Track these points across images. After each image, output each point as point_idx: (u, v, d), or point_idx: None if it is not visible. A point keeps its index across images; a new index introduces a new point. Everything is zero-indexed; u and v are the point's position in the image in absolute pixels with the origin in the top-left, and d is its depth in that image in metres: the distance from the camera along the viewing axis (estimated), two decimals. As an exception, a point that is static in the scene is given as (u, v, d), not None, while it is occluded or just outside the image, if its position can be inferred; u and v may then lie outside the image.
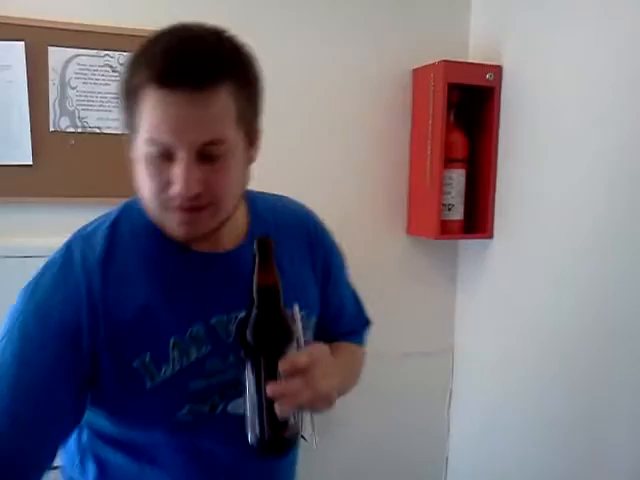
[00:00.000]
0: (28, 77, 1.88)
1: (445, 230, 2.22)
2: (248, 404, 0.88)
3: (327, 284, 1.19)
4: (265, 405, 0.86)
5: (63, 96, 1.93)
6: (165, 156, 0.86)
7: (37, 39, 1.88)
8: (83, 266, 0.94)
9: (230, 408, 1.02)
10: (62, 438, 0.92)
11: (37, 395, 0.86)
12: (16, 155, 1.90)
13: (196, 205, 0.88)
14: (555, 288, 1.97)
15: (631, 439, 1.69)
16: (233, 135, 0.88)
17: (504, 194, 2.22)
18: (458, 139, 2.22)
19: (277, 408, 0.84)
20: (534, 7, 2.05)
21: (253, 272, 0.86)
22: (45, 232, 1.95)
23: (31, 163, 1.91)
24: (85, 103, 1.96)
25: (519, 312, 2.14)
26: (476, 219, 2.30)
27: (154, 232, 0.96)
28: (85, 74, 1.95)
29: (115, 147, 2.00)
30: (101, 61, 1.96)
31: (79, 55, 1.93)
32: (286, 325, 0.88)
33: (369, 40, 2.26)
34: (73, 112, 1.94)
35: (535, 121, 2.06)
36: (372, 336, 2.29)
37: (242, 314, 0.90)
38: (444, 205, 2.21)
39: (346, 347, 1.24)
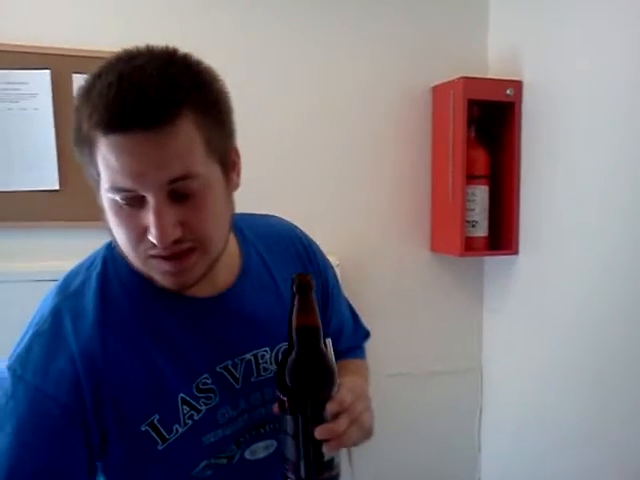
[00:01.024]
0: (54, 104, 1.92)
1: (470, 247, 2.20)
2: (289, 447, 0.83)
3: (326, 302, 1.11)
4: (311, 447, 0.81)
5: (87, 122, 1.96)
6: (134, 202, 0.77)
7: (62, 67, 1.92)
8: (76, 335, 0.84)
9: (248, 454, 0.97)
10: None
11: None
12: (43, 181, 1.93)
13: (179, 251, 0.80)
14: (584, 303, 1.94)
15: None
16: (205, 168, 0.79)
17: (528, 209, 2.20)
18: (480, 155, 2.21)
19: (325, 449, 0.81)
20: (553, 21, 2.04)
21: (292, 312, 0.81)
22: (73, 255, 1.96)
23: (58, 188, 1.94)
24: (109, 128, 1.98)
25: (548, 328, 2.11)
26: (501, 235, 2.28)
27: (144, 282, 0.87)
28: (108, 100, 1.98)
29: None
30: (123, 87, 1.98)
31: (102, 81, 1.96)
32: (329, 367, 0.83)
33: (388, 58, 2.27)
34: (98, 137, 1.97)
35: (557, 135, 2.04)
36: (399, 356, 2.29)
37: (268, 354, 0.92)
38: (468, 222, 2.20)
39: (357, 366, 1.20)
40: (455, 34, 2.36)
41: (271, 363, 0.96)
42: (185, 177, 0.77)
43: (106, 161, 0.76)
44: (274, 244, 1.05)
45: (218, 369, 0.92)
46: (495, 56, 2.37)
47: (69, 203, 1.97)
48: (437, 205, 2.32)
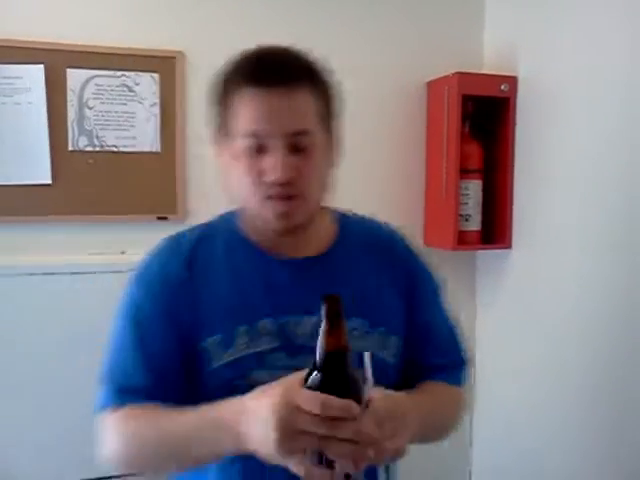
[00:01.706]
0: (47, 98, 1.92)
1: (462, 241, 2.21)
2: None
3: (413, 306, 1.12)
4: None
5: (81, 116, 1.96)
6: (259, 149, 0.94)
7: (56, 61, 1.93)
8: (187, 244, 1.07)
9: None
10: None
11: (161, 362, 1.00)
12: (36, 175, 1.93)
13: (289, 193, 0.95)
14: (577, 297, 1.95)
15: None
16: (316, 130, 0.97)
17: (522, 203, 2.20)
18: (474, 150, 2.22)
19: (338, 467, 0.79)
20: (548, 18, 2.05)
21: (319, 334, 0.79)
22: (65, 250, 1.98)
23: (50, 182, 1.95)
24: (103, 123, 1.99)
25: (540, 322, 2.12)
26: (494, 229, 2.29)
27: (244, 238, 1.06)
28: (102, 94, 1.98)
29: (132, 165, 2.03)
30: (118, 81, 1.99)
31: (96, 76, 1.97)
32: (353, 391, 0.79)
33: (383, 53, 2.27)
34: (91, 132, 1.98)
35: (551, 130, 2.05)
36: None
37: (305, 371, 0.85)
38: (461, 216, 2.20)
39: (434, 389, 1.11)
40: (451, 30, 2.36)
41: None
42: (303, 132, 0.94)
43: (246, 110, 0.94)
44: (373, 242, 1.14)
45: (283, 320, 1.00)
46: (490, 52, 2.37)
47: (61, 197, 1.97)
48: (430, 199, 2.33)
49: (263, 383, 0.90)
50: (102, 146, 1.99)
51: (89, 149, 1.98)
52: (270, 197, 0.95)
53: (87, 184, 1.99)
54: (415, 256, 1.18)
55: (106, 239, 2.03)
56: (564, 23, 1.98)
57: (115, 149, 2.01)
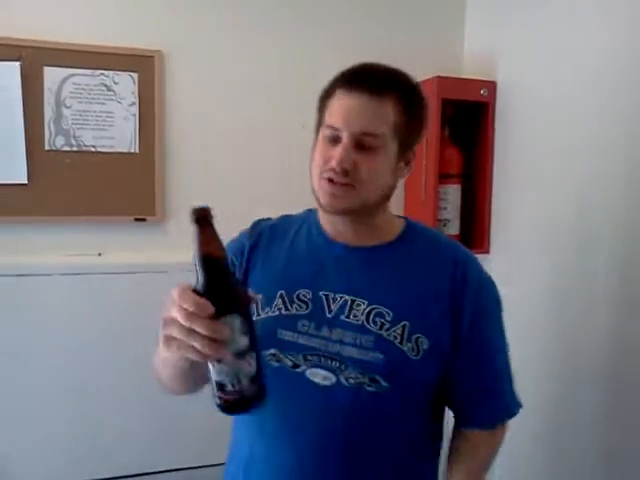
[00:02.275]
0: (24, 97, 1.89)
1: (441, 245, 2.21)
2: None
3: (462, 331, 1.15)
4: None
5: (58, 115, 1.93)
6: (335, 140, 1.10)
7: (33, 59, 1.90)
8: (258, 224, 1.29)
9: (308, 373, 1.12)
10: None
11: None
12: (11, 174, 1.90)
13: (342, 181, 1.09)
14: (554, 302, 1.96)
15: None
16: (386, 136, 1.10)
17: (500, 209, 2.22)
18: (453, 154, 2.23)
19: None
20: (527, 24, 2.06)
21: (194, 243, 0.86)
22: (40, 251, 1.95)
23: (26, 182, 1.92)
24: (80, 122, 1.96)
25: (517, 328, 2.12)
26: (473, 234, 2.30)
27: (316, 224, 1.24)
28: (80, 93, 1.95)
29: (110, 165, 2.00)
30: (96, 80, 1.97)
31: (74, 75, 1.94)
32: (220, 293, 0.85)
33: (363, 56, 2.25)
34: (68, 131, 1.95)
35: (530, 135, 2.06)
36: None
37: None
38: (440, 220, 2.21)
39: (473, 455, 1.26)
40: (431, 34, 2.37)
41: (362, 314, 1.12)
42: (371, 134, 1.08)
43: (334, 106, 1.11)
44: (434, 254, 1.21)
45: (321, 293, 1.15)
46: (470, 56, 2.39)
47: (37, 197, 1.94)
48: (410, 203, 2.33)
49: (287, 342, 1.12)
50: (79, 146, 1.97)
51: (66, 149, 1.95)
52: (326, 179, 1.10)
53: (64, 184, 1.96)
54: (476, 282, 1.20)
55: (82, 240, 2.00)
56: (543, 30, 1.99)
57: (93, 149, 1.98)
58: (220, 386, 0.87)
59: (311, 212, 1.28)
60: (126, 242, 2.05)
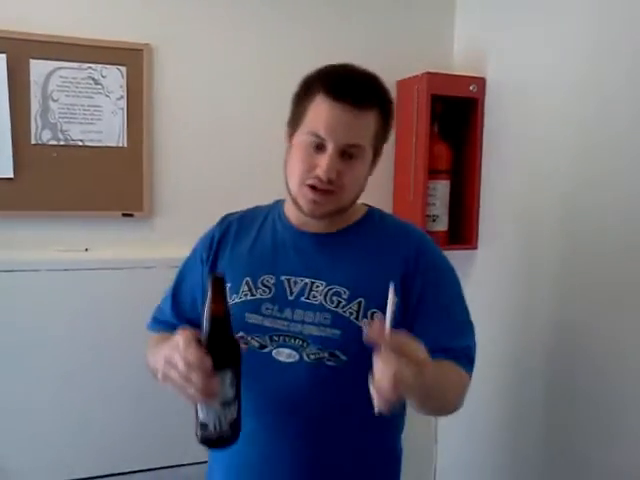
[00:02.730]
0: (9, 90, 1.86)
1: (430, 241, 2.21)
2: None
3: (411, 291, 1.22)
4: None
5: (45, 109, 1.91)
6: (318, 147, 1.15)
7: (19, 51, 1.87)
8: (227, 218, 1.39)
9: (274, 353, 1.20)
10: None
11: (185, 283, 1.39)
12: (-3, 168, 1.87)
13: (327, 188, 1.16)
14: (540, 299, 1.97)
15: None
16: (367, 146, 1.18)
17: (489, 205, 2.22)
18: (442, 150, 2.23)
19: None
20: (517, 20, 2.07)
21: (206, 304, 0.99)
22: (26, 246, 1.93)
23: (12, 176, 1.89)
24: (68, 116, 1.94)
25: (505, 323, 2.14)
26: (461, 230, 2.31)
27: (281, 215, 1.31)
28: (67, 87, 1.93)
29: (98, 160, 1.99)
30: (84, 74, 1.94)
31: (61, 68, 1.92)
32: (221, 349, 0.98)
33: (352, 52, 2.24)
34: (55, 125, 1.93)
35: (518, 132, 2.07)
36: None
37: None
38: (428, 216, 2.21)
39: (442, 362, 1.16)
40: (421, 30, 2.36)
41: (320, 295, 1.20)
42: (355, 146, 1.16)
43: (317, 113, 1.15)
44: (388, 234, 1.29)
45: (282, 277, 1.23)
46: (460, 52, 2.39)
47: (23, 192, 1.92)
48: (398, 199, 2.33)
49: (253, 325, 1.21)
50: (66, 140, 1.94)
51: (53, 143, 1.93)
52: (309, 185, 1.17)
53: (50, 179, 1.94)
54: (430, 255, 1.27)
55: (69, 236, 1.98)
56: (532, 26, 2.00)
57: (80, 143, 1.96)
58: (203, 426, 1.00)
59: (279, 202, 1.36)
60: (113, 238, 2.04)
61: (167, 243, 2.06)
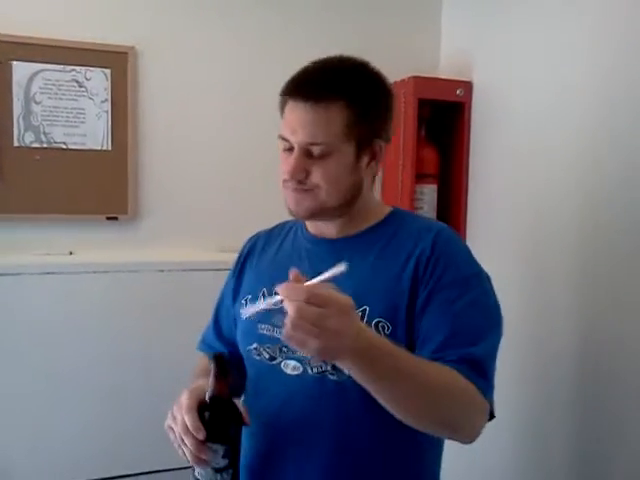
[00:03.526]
0: (-8, 92, 1.84)
1: (417, 245, 2.20)
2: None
3: (425, 301, 1.11)
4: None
5: (28, 111, 1.89)
6: (289, 149, 1.15)
7: (1, 53, 1.85)
8: (258, 233, 1.40)
9: (283, 365, 1.17)
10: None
11: (223, 303, 1.40)
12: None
13: (300, 188, 1.14)
14: (528, 302, 1.97)
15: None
16: (335, 141, 1.12)
17: (476, 208, 2.22)
18: (429, 154, 2.23)
19: None
20: (503, 25, 2.07)
21: (209, 381, 1.05)
22: (9, 249, 1.91)
23: (-5, 179, 1.87)
24: (51, 118, 1.92)
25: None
26: (448, 234, 2.30)
27: (301, 227, 1.29)
28: (51, 89, 1.92)
29: (81, 163, 1.97)
30: (67, 76, 1.93)
31: (44, 70, 1.90)
32: (217, 425, 1.04)
33: (340, 54, 2.26)
34: (38, 127, 1.91)
35: (505, 135, 2.07)
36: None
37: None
38: (414, 211, 2.21)
39: (433, 363, 1.03)
40: (407, 34, 2.36)
41: None
42: (318, 144, 1.11)
43: (284, 117, 1.16)
44: (408, 231, 1.20)
45: None
46: (446, 57, 2.39)
47: (6, 195, 1.90)
48: (386, 203, 2.29)
49: (265, 336, 1.19)
50: (50, 142, 1.93)
51: (36, 145, 1.91)
52: (288, 188, 1.16)
53: (33, 181, 1.92)
54: (445, 255, 1.15)
55: (53, 239, 1.96)
56: (518, 30, 2.00)
57: (64, 146, 1.94)
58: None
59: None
60: (97, 241, 2.02)
61: (152, 246, 2.04)
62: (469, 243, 2.19)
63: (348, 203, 1.18)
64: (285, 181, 1.16)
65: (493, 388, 1.09)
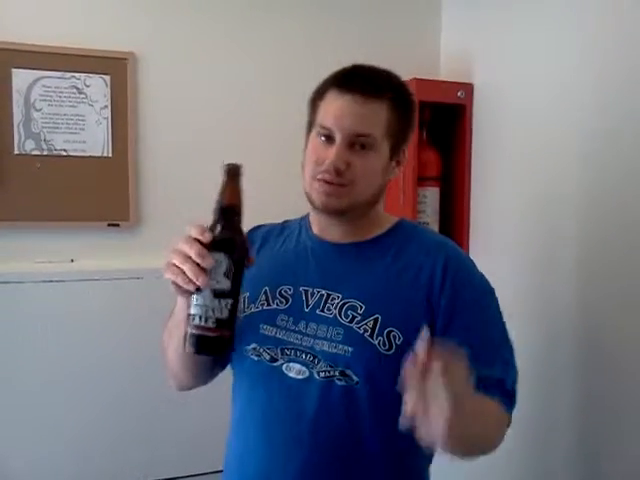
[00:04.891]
0: (-8, 99, 1.84)
1: (420, 248, 2.20)
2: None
3: (438, 326, 1.11)
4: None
5: (28, 118, 1.89)
6: (328, 140, 1.13)
7: (1, 61, 1.85)
8: (259, 227, 1.33)
9: (284, 367, 1.14)
10: None
11: None
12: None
13: (337, 181, 1.11)
14: (534, 304, 1.96)
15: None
16: (379, 137, 1.13)
17: (479, 211, 2.21)
18: (431, 157, 2.22)
19: None
20: (503, 26, 2.06)
21: (219, 191, 1.02)
22: (10, 257, 1.90)
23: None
24: (51, 125, 1.92)
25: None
26: (452, 236, 2.28)
27: (306, 224, 1.27)
28: (51, 96, 1.91)
29: (82, 170, 1.96)
30: (67, 83, 1.92)
31: (44, 77, 1.90)
32: (228, 237, 0.99)
33: (339, 59, 2.23)
34: (38, 134, 1.90)
35: (507, 137, 2.06)
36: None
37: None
38: (419, 223, 2.20)
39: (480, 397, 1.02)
40: (408, 36, 2.36)
41: (335, 308, 1.14)
42: (364, 135, 1.11)
43: (327, 107, 1.14)
44: (417, 243, 1.21)
45: (301, 288, 1.18)
46: (447, 58, 2.38)
47: (7, 202, 1.90)
48: (388, 206, 2.29)
49: (266, 336, 1.15)
50: (50, 150, 1.92)
51: (36, 153, 1.91)
52: (319, 179, 1.13)
53: (34, 189, 1.92)
54: (462, 271, 1.16)
55: (54, 247, 1.96)
56: (519, 31, 1.99)
57: (64, 153, 1.94)
58: (192, 317, 0.97)
59: (304, 216, 1.32)
60: (99, 248, 2.01)
61: (154, 253, 2.01)
62: (472, 246, 2.22)
63: (371, 204, 1.19)
64: (319, 172, 1.13)
65: (516, 401, 1.13)
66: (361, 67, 1.19)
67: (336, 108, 1.12)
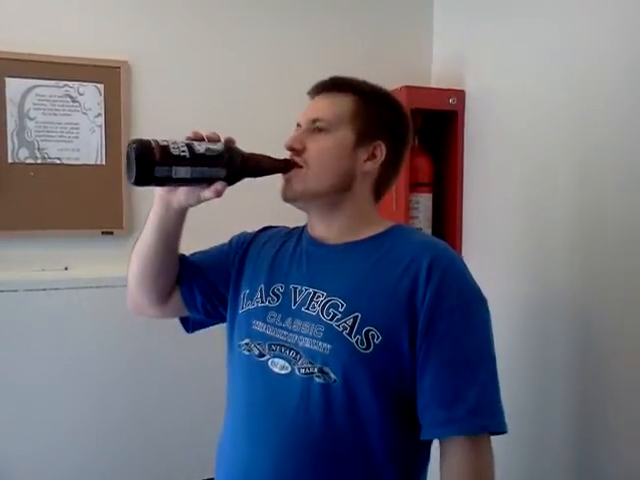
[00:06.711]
0: (-15, 109, 1.85)
1: (413, 254, 2.20)
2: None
3: (419, 329, 1.09)
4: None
5: (22, 127, 1.89)
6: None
7: (-6, 71, 1.85)
8: (266, 228, 1.41)
9: (270, 362, 1.17)
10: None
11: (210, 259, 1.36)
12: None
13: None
14: (526, 310, 1.97)
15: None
16: (334, 120, 1.18)
17: (471, 216, 2.22)
18: (423, 163, 2.23)
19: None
20: (495, 32, 2.08)
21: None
22: (4, 265, 1.90)
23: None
24: (44, 134, 1.92)
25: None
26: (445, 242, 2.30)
27: (304, 230, 1.30)
28: (44, 105, 1.92)
29: (76, 178, 1.97)
30: (60, 91, 1.93)
31: (38, 86, 1.91)
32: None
33: (331, 66, 2.22)
34: (32, 143, 1.91)
35: (499, 143, 2.08)
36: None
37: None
38: (417, 229, 2.21)
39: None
40: (399, 44, 2.37)
41: (319, 305, 1.15)
42: (319, 119, 1.19)
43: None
44: (409, 245, 1.19)
45: (292, 286, 1.21)
46: (438, 66, 2.40)
47: (1, 211, 1.90)
48: (381, 213, 2.29)
49: (257, 332, 1.20)
50: (44, 158, 1.93)
51: (30, 161, 1.91)
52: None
53: (28, 197, 1.92)
54: (443, 280, 1.11)
55: (48, 255, 1.96)
56: (511, 38, 2.01)
57: (58, 161, 1.94)
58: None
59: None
60: (93, 256, 2.01)
61: (147, 261, 2.03)
62: (465, 251, 2.23)
63: (335, 191, 1.19)
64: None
65: (503, 415, 1.11)
66: (334, 76, 1.27)
67: (306, 108, 1.25)
